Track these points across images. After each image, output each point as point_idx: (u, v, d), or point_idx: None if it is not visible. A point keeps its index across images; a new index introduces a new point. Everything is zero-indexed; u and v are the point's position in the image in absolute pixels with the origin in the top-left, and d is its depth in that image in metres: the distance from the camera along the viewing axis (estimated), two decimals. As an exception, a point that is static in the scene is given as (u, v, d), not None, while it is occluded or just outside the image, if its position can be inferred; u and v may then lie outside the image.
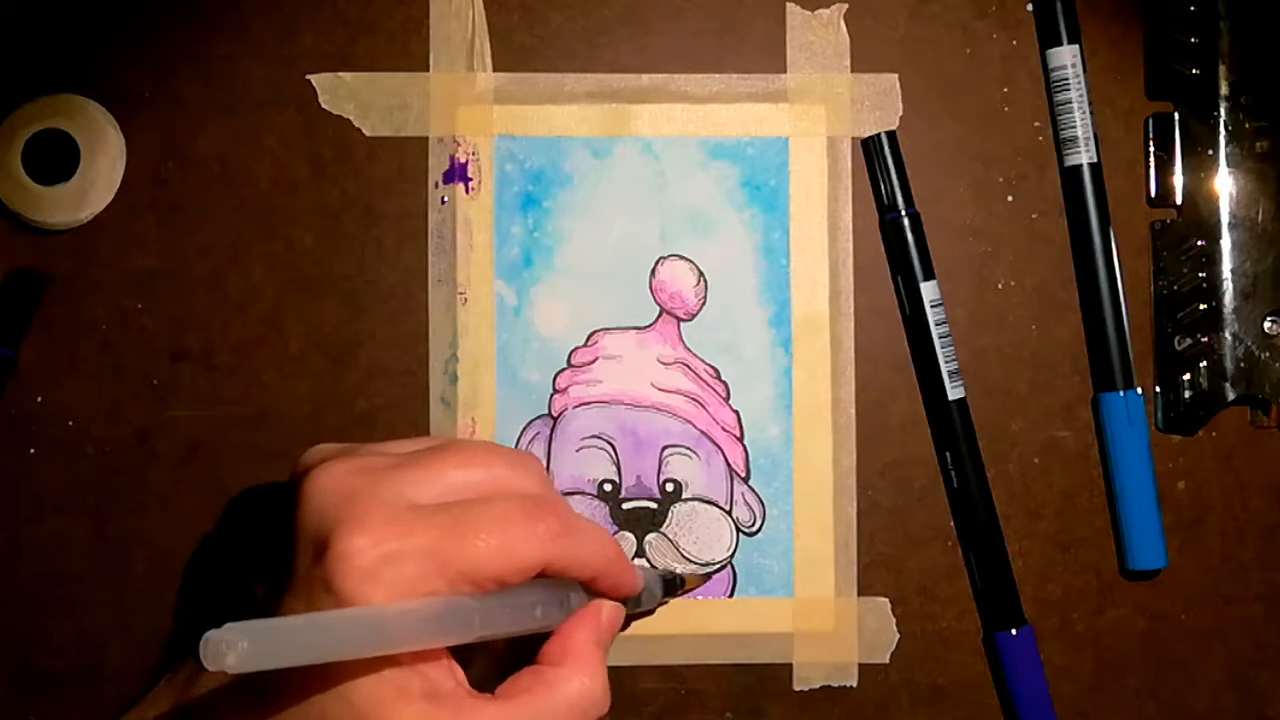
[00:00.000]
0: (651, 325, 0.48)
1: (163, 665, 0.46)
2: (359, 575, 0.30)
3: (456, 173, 0.48)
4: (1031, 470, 0.48)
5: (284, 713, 0.31)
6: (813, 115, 0.48)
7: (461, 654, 0.33)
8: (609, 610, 0.36)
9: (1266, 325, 0.48)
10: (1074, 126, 0.48)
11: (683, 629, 0.48)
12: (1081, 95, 0.48)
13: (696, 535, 0.48)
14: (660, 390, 0.48)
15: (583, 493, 0.48)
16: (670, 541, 0.48)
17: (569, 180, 0.48)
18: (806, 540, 0.48)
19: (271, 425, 0.47)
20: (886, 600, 0.48)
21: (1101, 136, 0.48)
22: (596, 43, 0.48)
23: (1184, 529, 0.48)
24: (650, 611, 0.40)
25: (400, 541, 0.31)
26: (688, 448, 0.48)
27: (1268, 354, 0.48)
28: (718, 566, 0.47)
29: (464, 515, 0.32)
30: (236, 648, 0.27)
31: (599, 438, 0.48)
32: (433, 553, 0.31)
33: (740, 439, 0.48)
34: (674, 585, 0.44)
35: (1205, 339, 0.48)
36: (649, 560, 0.48)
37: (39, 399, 0.47)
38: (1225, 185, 0.48)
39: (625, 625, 0.38)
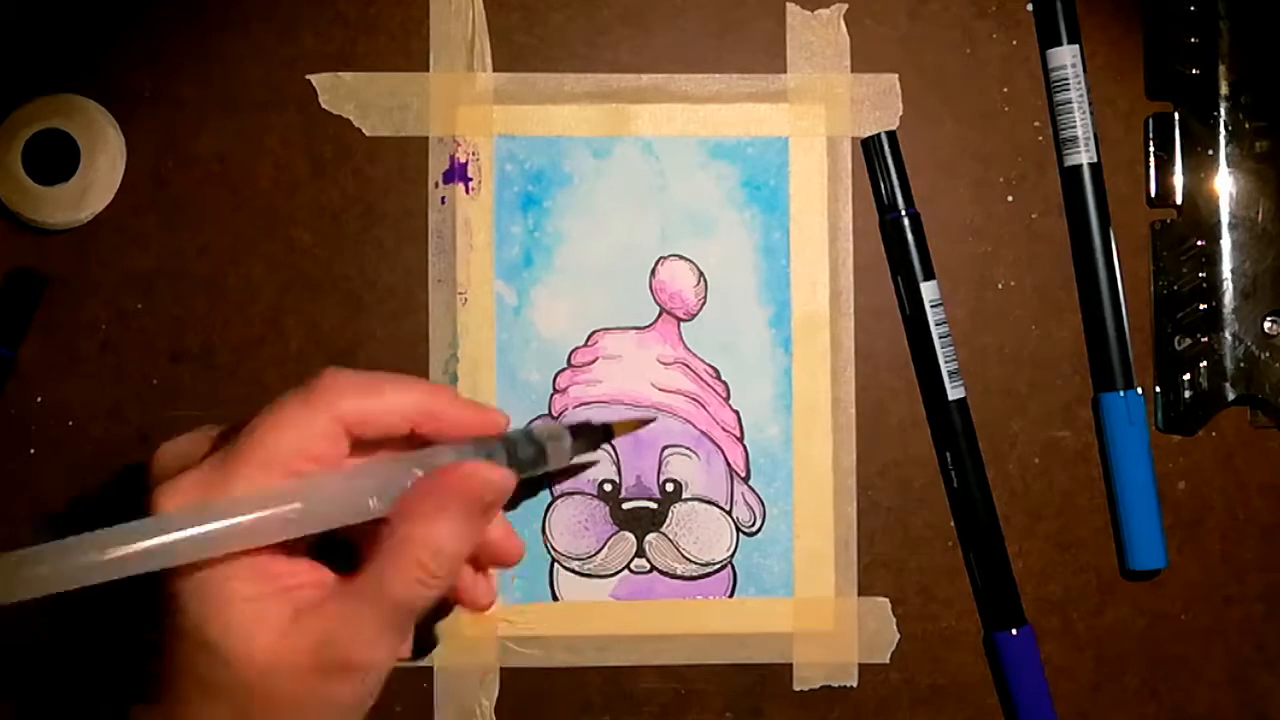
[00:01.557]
0: (651, 325, 0.48)
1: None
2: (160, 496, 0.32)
3: (456, 173, 0.48)
4: (1031, 470, 0.48)
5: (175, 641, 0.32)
6: (813, 115, 0.48)
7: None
8: (464, 465, 0.33)
9: (1266, 325, 0.48)
10: (1074, 126, 0.48)
11: (683, 629, 0.48)
12: (1081, 95, 0.48)
13: (696, 535, 0.48)
14: (660, 390, 0.48)
15: (582, 493, 0.48)
16: (670, 541, 0.48)
17: (569, 180, 0.48)
18: (806, 540, 0.48)
19: (271, 425, 0.47)
20: (886, 600, 0.48)
21: (1101, 136, 0.48)
22: (596, 43, 0.48)
23: (1184, 529, 0.48)
24: (576, 468, 0.37)
25: (195, 471, 0.32)
26: (688, 448, 0.48)
27: (1268, 354, 0.48)
28: (652, 417, 0.47)
29: (247, 429, 0.32)
30: (18, 571, 0.28)
31: (599, 438, 0.48)
32: (222, 471, 0.32)
33: (740, 439, 0.48)
34: (596, 434, 0.41)
35: (1205, 339, 0.48)
36: (649, 560, 0.48)
37: (39, 399, 0.47)
38: (1225, 185, 0.48)
39: (535, 483, 0.36)
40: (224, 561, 0.31)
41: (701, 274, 0.48)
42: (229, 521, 0.31)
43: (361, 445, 0.34)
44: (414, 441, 0.35)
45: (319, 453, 0.32)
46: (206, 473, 0.32)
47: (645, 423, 0.46)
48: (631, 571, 0.48)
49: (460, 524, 0.33)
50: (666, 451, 0.48)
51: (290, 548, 0.33)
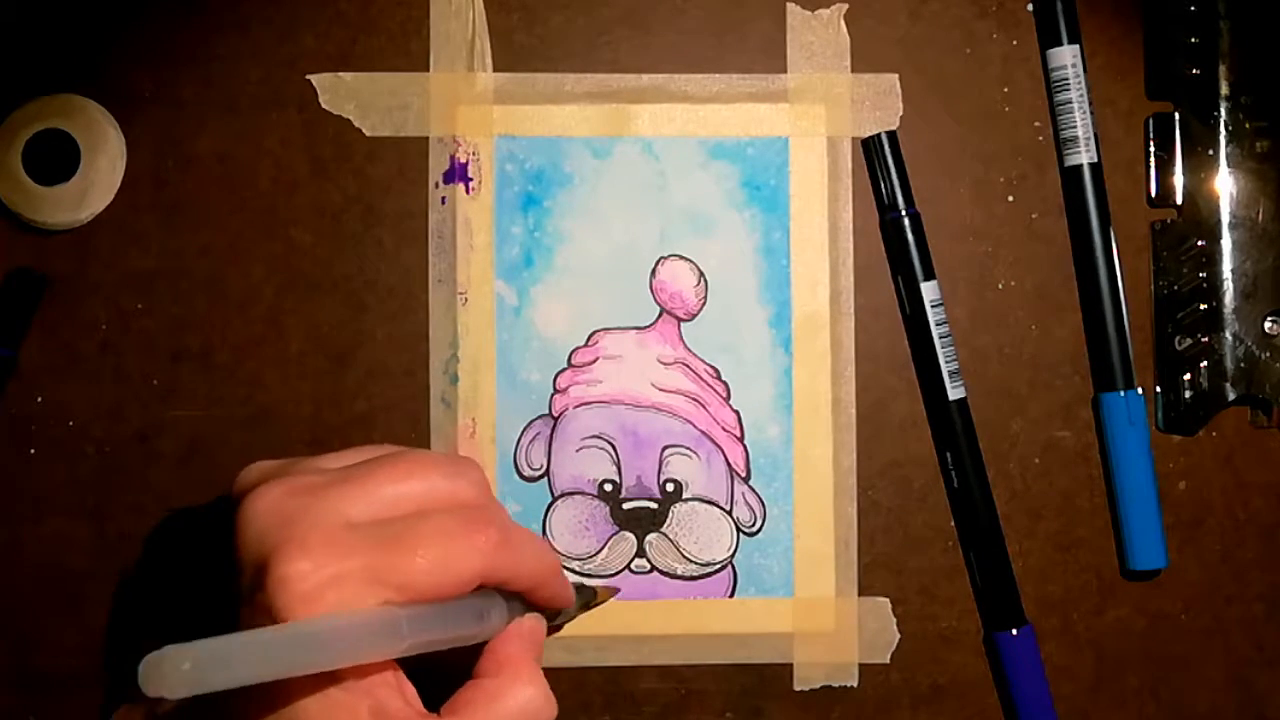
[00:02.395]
0: (652, 325, 0.48)
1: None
2: (299, 599, 0.30)
3: (456, 173, 0.48)
4: (1031, 470, 0.48)
5: None
6: (813, 115, 0.48)
7: (413, 674, 0.33)
8: (531, 622, 0.36)
9: (1267, 325, 0.48)
10: (1074, 126, 0.48)
11: (683, 629, 0.48)
12: (1081, 95, 0.48)
13: (697, 535, 0.48)
14: (660, 390, 0.48)
15: (583, 493, 0.48)
16: (670, 541, 0.48)
17: (569, 180, 0.48)
18: (807, 540, 0.48)
19: (271, 425, 0.47)
20: (887, 600, 0.48)
21: (1101, 136, 0.48)
22: (596, 43, 0.48)
23: (1184, 529, 0.48)
24: (559, 628, 0.39)
25: (339, 563, 0.30)
26: (688, 448, 0.48)
27: (1268, 354, 0.48)
28: (615, 588, 0.47)
29: (402, 532, 0.32)
30: (178, 670, 0.26)
31: (599, 438, 0.48)
32: (371, 572, 0.31)
33: (740, 439, 0.48)
34: (588, 599, 0.43)
35: (1205, 339, 0.48)
36: (649, 560, 0.48)
37: (39, 399, 0.47)
38: (1225, 185, 0.48)
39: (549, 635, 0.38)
40: (343, 676, 0.31)
41: (702, 274, 0.48)
42: (367, 639, 0.30)
43: None
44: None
45: (451, 595, 0.32)
46: (357, 563, 0.31)
47: (616, 591, 0.47)
48: (632, 571, 0.48)
49: (545, 684, 0.34)
50: (667, 451, 0.48)
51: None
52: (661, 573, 0.48)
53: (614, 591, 0.46)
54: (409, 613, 0.31)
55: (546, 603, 0.36)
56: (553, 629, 0.38)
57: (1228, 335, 0.48)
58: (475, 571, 0.32)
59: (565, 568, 0.47)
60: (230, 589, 0.33)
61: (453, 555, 0.32)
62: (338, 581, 0.30)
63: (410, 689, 0.32)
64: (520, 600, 0.36)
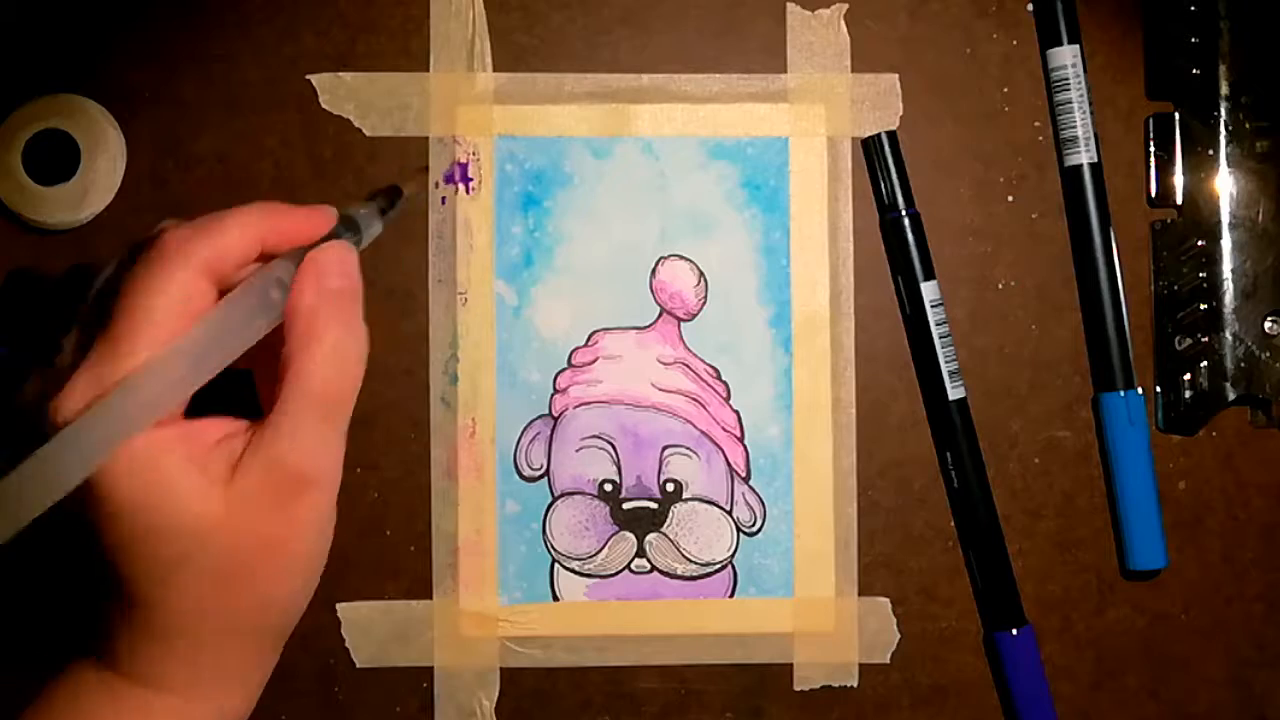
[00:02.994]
0: (652, 325, 0.48)
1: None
2: (64, 415, 0.30)
3: (456, 173, 0.48)
4: (1031, 470, 0.48)
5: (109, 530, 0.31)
6: (813, 115, 0.48)
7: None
8: (323, 253, 0.33)
9: (1267, 325, 0.48)
10: (1074, 126, 0.48)
11: (683, 629, 0.48)
12: (1081, 95, 0.48)
13: (697, 535, 0.48)
14: (660, 390, 0.48)
15: (583, 493, 0.48)
16: (671, 541, 0.48)
17: (569, 180, 0.48)
18: (807, 540, 0.48)
19: (271, 425, 0.47)
20: (887, 600, 0.48)
21: (1101, 136, 0.48)
22: (596, 43, 0.48)
23: (1184, 529, 0.48)
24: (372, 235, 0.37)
25: (86, 371, 0.31)
26: (688, 448, 0.48)
27: (1268, 354, 0.48)
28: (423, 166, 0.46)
29: (113, 314, 0.32)
30: None
31: (599, 438, 0.48)
32: (108, 355, 0.31)
33: (740, 439, 0.48)
34: (390, 196, 0.39)
35: (1205, 339, 0.48)
36: (649, 560, 0.48)
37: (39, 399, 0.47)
38: (1225, 185, 0.48)
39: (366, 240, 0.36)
40: (146, 443, 0.31)
41: (702, 274, 0.48)
42: (134, 399, 0.30)
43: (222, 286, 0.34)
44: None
45: (194, 308, 0.32)
46: (94, 367, 0.31)
47: (422, 170, 0.45)
48: (632, 571, 0.48)
49: (352, 318, 0.33)
50: (667, 451, 0.48)
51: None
52: (661, 573, 0.48)
53: (421, 170, 0.45)
54: (185, 338, 0.31)
55: (295, 239, 0.34)
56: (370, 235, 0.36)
57: (1228, 335, 0.48)
58: (189, 278, 0.32)
59: (566, 568, 0.47)
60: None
61: (153, 285, 0.31)
62: (93, 381, 0.31)
63: (219, 424, 0.32)
64: (300, 254, 0.34)
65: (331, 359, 0.32)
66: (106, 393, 0.30)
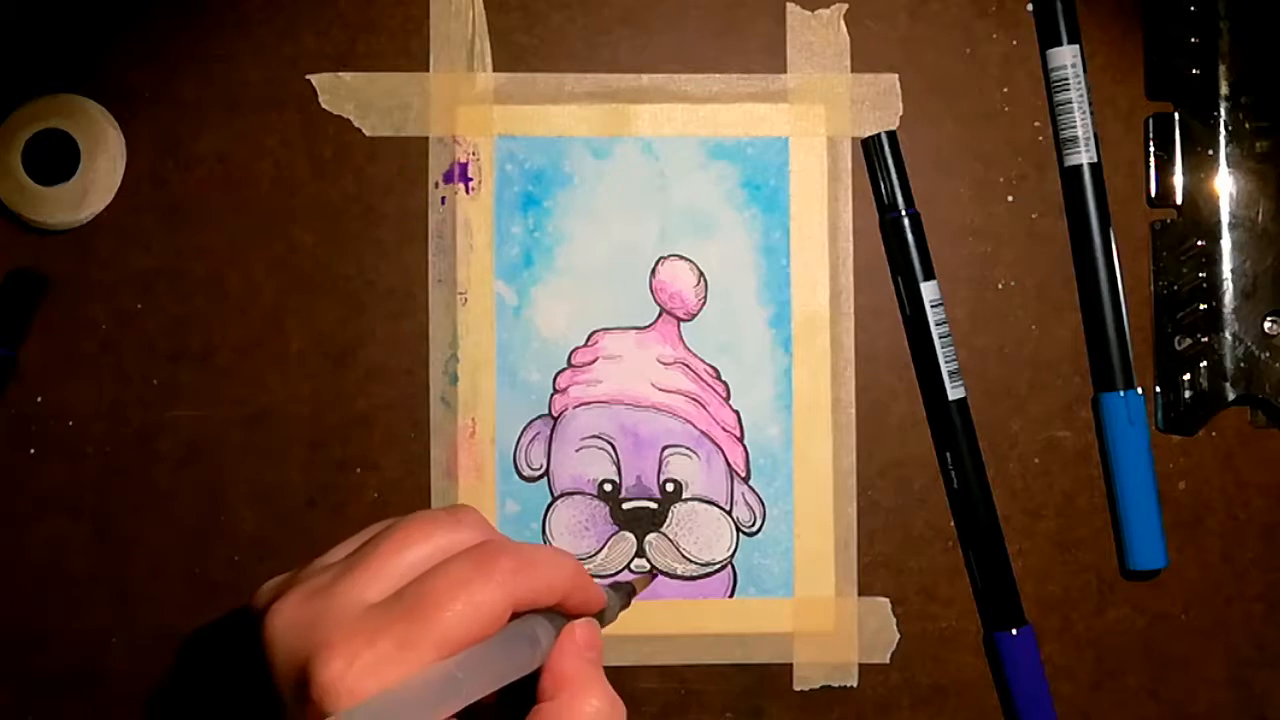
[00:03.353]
0: (651, 325, 0.48)
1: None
2: (347, 696, 0.30)
3: (456, 173, 0.48)
4: (1031, 470, 0.48)
5: None
6: (813, 115, 0.48)
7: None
8: (582, 628, 0.35)
9: (1266, 325, 0.48)
10: (1074, 126, 0.48)
11: (683, 629, 0.48)
12: (1081, 95, 0.48)
13: (697, 535, 0.48)
14: (660, 390, 0.48)
15: (583, 493, 0.48)
16: (670, 541, 0.48)
17: (569, 180, 0.48)
18: (806, 540, 0.48)
19: (271, 425, 0.47)
20: (886, 600, 0.48)
21: (1101, 136, 0.48)
22: (596, 43, 0.48)
23: (1184, 529, 0.48)
24: (612, 620, 0.40)
25: (370, 649, 0.31)
26: (688, 448, 0.48)
27: (1268, 354, 0.48)
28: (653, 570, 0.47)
29: (420, 595, 0.32)
30: None
31: (599, 438, 0.48)
32: (404, 643, 0.31)
33: (740, 439, 0.48)
34: (629, 593, 0.43)
35: (1205, 339, 0.48)
36: (649, 560, 0.48)
37: (39, 399, 0.47)
38: (1225, 185, 0.48)
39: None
40: None
41: (702, 274, 0.48)
42: (410, 699, 0.30)
43: None
44: None
45: (487, 633, 0.32)
46: (388, 642, 0.31)
47: (651, 575, 0.47)
48: (632, 571, 0.47)
49: (609, 688, 0.34)
50: (666, 451, 0.48)
51: None
52: (661, 573, 0.48)
53: (652, 578, 0.46)
54: (458, 661, 0.31)
55: (582, 608, 0.36)
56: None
57: (1227, 335, 0.48)
58: (500, 602, 0.32)
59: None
60: (271, 709, 0.33)
61: (475, 595, 0.32)
62: (376, 666, 0.30)
63: None
64: (562, 616, 0.35)
65: None
66: (387, 675, 0.30)
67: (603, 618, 0.38)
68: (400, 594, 0.32)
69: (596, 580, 0.41)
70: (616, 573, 0.47)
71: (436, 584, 0.32)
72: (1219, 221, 0.48)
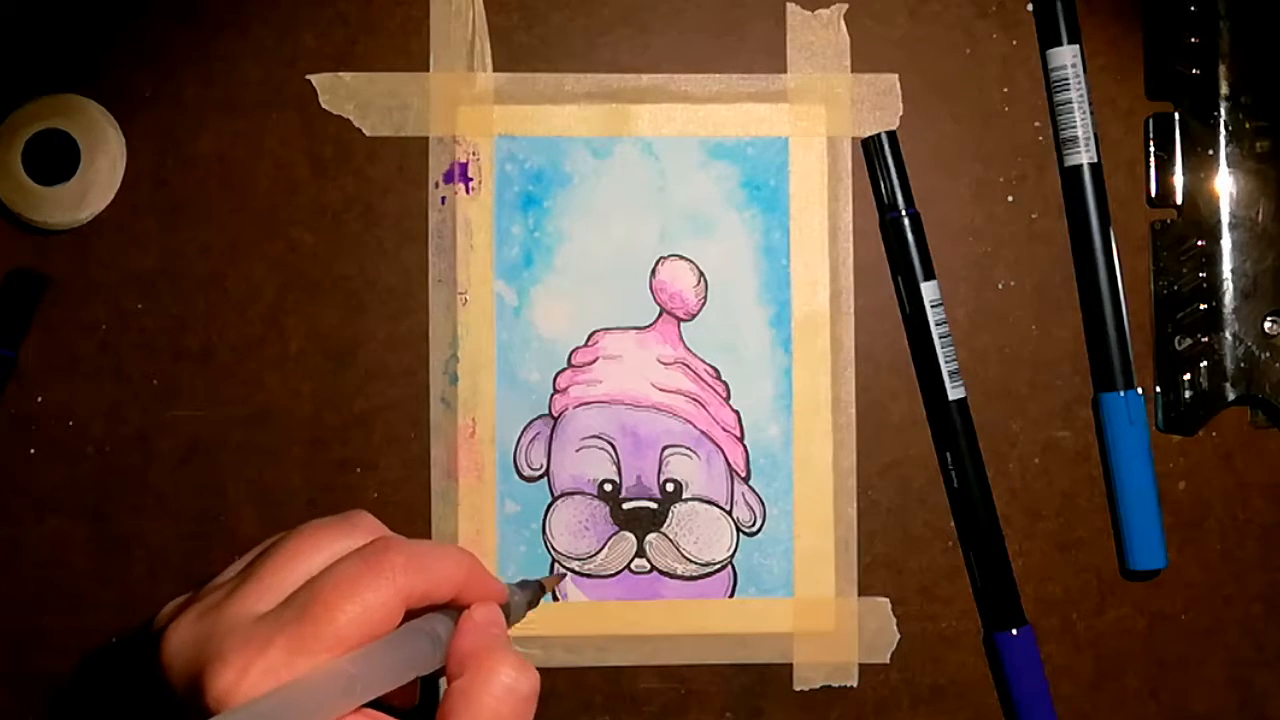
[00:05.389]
0: (651, 325, 0.48)
1: None
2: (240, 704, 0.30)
3: (456, 173, 0.48)
4: (1031, 470, 0.48)
5: None
6: (813, 115, 0.48)
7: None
8: (480, 609, 0.35)
9: (1266, 325, 0.48)
10: (1074, 126, 0.48)
11: (683, 629, 0.48)
12: (1081, 95, 0.48)
13: (697, 535, 0.48)
14: (660, 390, 0.48)
15: (583, 493, 0.48)
16: (670, 541, 0.48)
17: (569, 180, 0.48)
18: (806, 540, 0.48)
19: (271, 425, 0.47)
20: (887, 600, 0.48)
21: (1101, 136, 0.48)
22: (596, 43, 0.48)
23: (1184, 529, 0.48)
24: (521, 616, 0.39)
25: (263, 657, 0.31)
26: (688, 448, 0.48)
27: (1268, 354, 0.48)
28: (561, 573, 0.47)
29: (311, 598, 0.32)
30: None
31: (599, 438, 0.48)
32: (296, 646, 0.31)
33: (740, 439, 0.48)
34: (536, 590, 0.42)
35: (1205, 339, 0.48)
36: (649, 560, 0.48)
37: (39, 399, 0.47)
38: (1225, 185, 0.48)
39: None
40: None
41: (702, 274, 0.48)
42: (312, 703, 0.30)
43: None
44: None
45: (383, 630, 0.32)
46: (279, 648, 0.31)
47: (562, 576, 0.47)
48: (632, 571, 0.48)
49: (518, 657, 0.34)
50: (667, 451, 0.48)
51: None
52: (661, 573, 0.48)
53: (560, 577, 0.47)
54: (351, 658, 0.31)
55: (482, 601, 0.36)
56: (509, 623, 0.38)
57: (1228, 335, 0.48)
58: (392, 598, 0.32)
59: (566, 568, 0.47)
60: None
61: (365, 594, 0.32)
62: (269, 673, 0.31)
63: None
64: (460, 611, 0.35)
65: (507, 696, 0.33)
66: (281, 680, 0.30)
67: (507, 615, 0.37)
68: (290, 600, 0.32)
69: (534, 579, 0.41)
70: (617, 573, 0.48)
71: (326, 586, 0.32)
72: (1219, 221, 0.48)
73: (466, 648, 0.34)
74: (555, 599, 0.47)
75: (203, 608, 0.33)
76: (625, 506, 0.48)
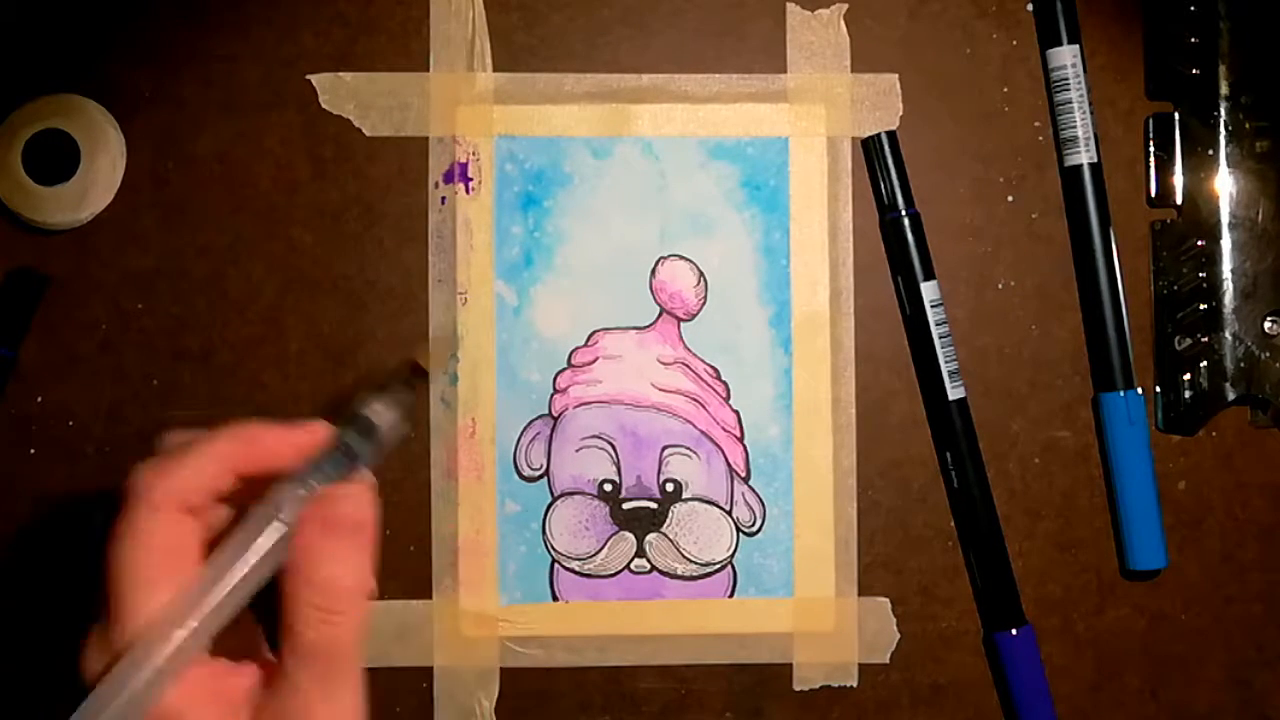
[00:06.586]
0: (651, 325, 0.48)
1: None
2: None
3: (456, 173, 0.48)
4: (1031, 470, 0.48)
5: None
6: (813, 115, 0.48)
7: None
8: (324, 497, 0.33)
9: (1266, 325, 0.48)
10: (1074, 126, 0.48)
11: (683, 629, 0.48)
12: (1081, 95, 0.48)
13: (697, 535, 0.48)
14: (660, 390, 0.48)
15: (583, 493, 0.48)
16: (670, 541, 0.48)
17: (569, 180, 0.48)
18: (806, 540, 0.48)
19: (271, 425, 0.47)
20: (887, 600, 0.48)
21: (1101, 136, 0.48)
22: (596, 43, 0.48)
23: (1184, 529, 0.48)
24: (392, 435, 0.35)
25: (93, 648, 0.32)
26: (688, 448, 0.48)
27: (1268, 354, 0.48)
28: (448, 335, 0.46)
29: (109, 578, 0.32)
30: None
31: (599, 438, 0.48)
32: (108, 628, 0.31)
33: (740, 439, 0.48)
34: (405, 382, 0.37)
35: (1205, 339, 0.48)
36: (649, 560, 0.48)
37: (39, 399, 0.47)
38: (1225, 185, 0.48)
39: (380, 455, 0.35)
40: (181, 702, 0.31)
41: (702, 274, 0.48)
42: (148, 661, 0.30)
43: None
44: (259, 488, 0.34)
45: (183, 549, 0.32)
46: (101, 631, 0.31)
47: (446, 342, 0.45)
48: (631, 571, 0.48)
49: (350, 555, 0.32)
50: (667, 451, 0.48)
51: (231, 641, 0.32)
52: (661, 573, 0.48)
53: (445, 341, 0.45)
54: (210, 560, 0.31)
55: (284, 463, 0.34)
56: (378, 454, 0.35)
57: (1228, 335, 0.48)
58: (150, 517, 0.32)
59: (566, 568, 0.47)
60: None
61: (126, 526, 0.32)
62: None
63: (237, 671, 0.32)
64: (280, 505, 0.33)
65: (320, 610, 0.31)
66: (116, 658, 0.30)
67: (372, 440, 0.34)
68: None
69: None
70: (617, 573, 0.47)
71: (106, 553, 0.32)
72: (1219, 221, 0.48)
73: (292, 546, 0.32)
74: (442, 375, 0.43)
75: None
76: (625, 506, 0.48)
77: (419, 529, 0.47)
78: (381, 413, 0.35)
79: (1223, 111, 0.48)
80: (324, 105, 0.48)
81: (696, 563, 0.48)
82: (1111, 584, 0.48)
